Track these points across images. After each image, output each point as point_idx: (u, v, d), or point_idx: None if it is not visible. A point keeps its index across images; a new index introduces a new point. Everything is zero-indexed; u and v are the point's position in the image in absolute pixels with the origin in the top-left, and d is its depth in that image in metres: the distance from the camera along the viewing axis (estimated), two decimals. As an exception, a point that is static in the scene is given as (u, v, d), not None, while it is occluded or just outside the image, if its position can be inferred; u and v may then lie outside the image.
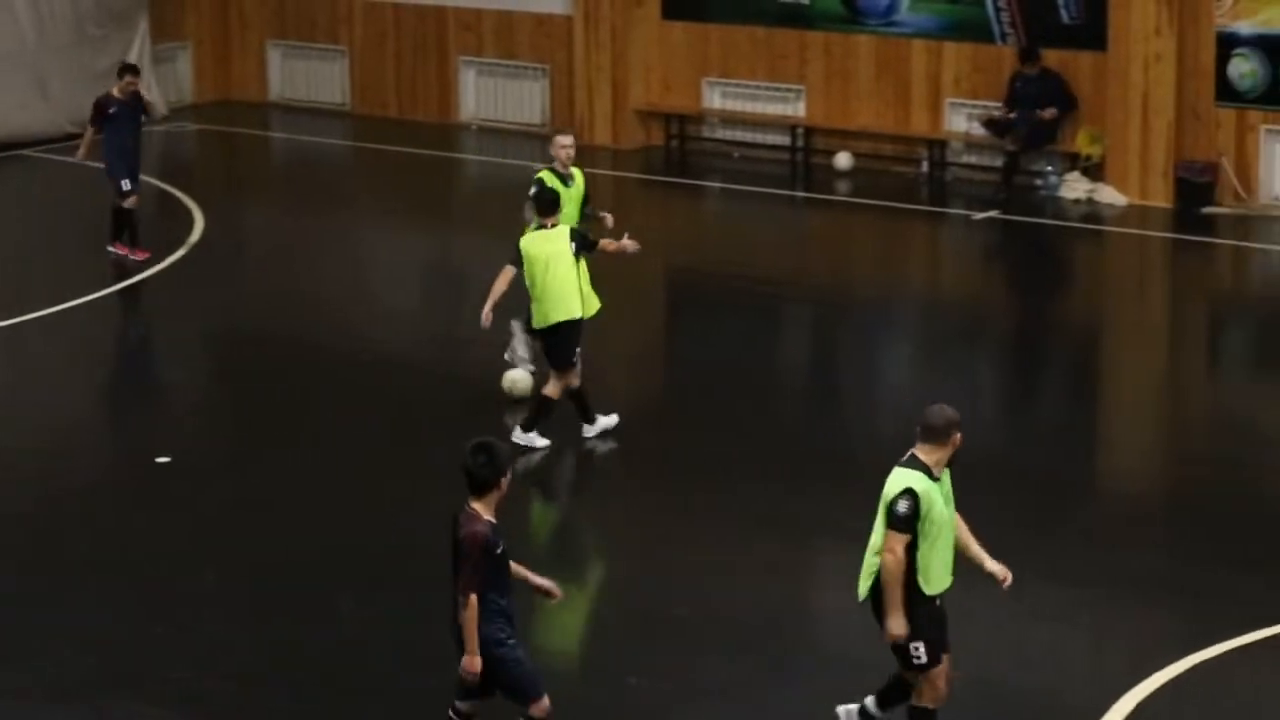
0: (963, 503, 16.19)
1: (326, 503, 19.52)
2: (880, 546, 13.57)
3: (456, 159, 36.41)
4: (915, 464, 13.61)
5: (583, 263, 20.54)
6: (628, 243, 20.19)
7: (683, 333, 26.43)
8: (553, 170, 20.70)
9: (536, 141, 36.09)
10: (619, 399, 22.56)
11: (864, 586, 13.70)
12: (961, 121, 33.03)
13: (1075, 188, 31.47)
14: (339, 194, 33.72)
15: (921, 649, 13.59)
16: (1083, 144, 31.70)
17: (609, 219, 21.75)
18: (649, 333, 26.44)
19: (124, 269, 27.62)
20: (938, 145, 33.25)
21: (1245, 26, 30.68)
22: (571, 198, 20.80)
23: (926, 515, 13.64)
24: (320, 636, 16.50)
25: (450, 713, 14.25)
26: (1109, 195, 31.16)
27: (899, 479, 13.52)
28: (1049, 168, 32.01)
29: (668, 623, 16.77)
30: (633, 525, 19.37)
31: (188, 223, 30.31)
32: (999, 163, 32.27)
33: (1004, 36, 32.32)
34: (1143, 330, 27.27)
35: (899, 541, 13.42)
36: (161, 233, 29.13)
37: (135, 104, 28.06)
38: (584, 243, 20.63)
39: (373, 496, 19.69)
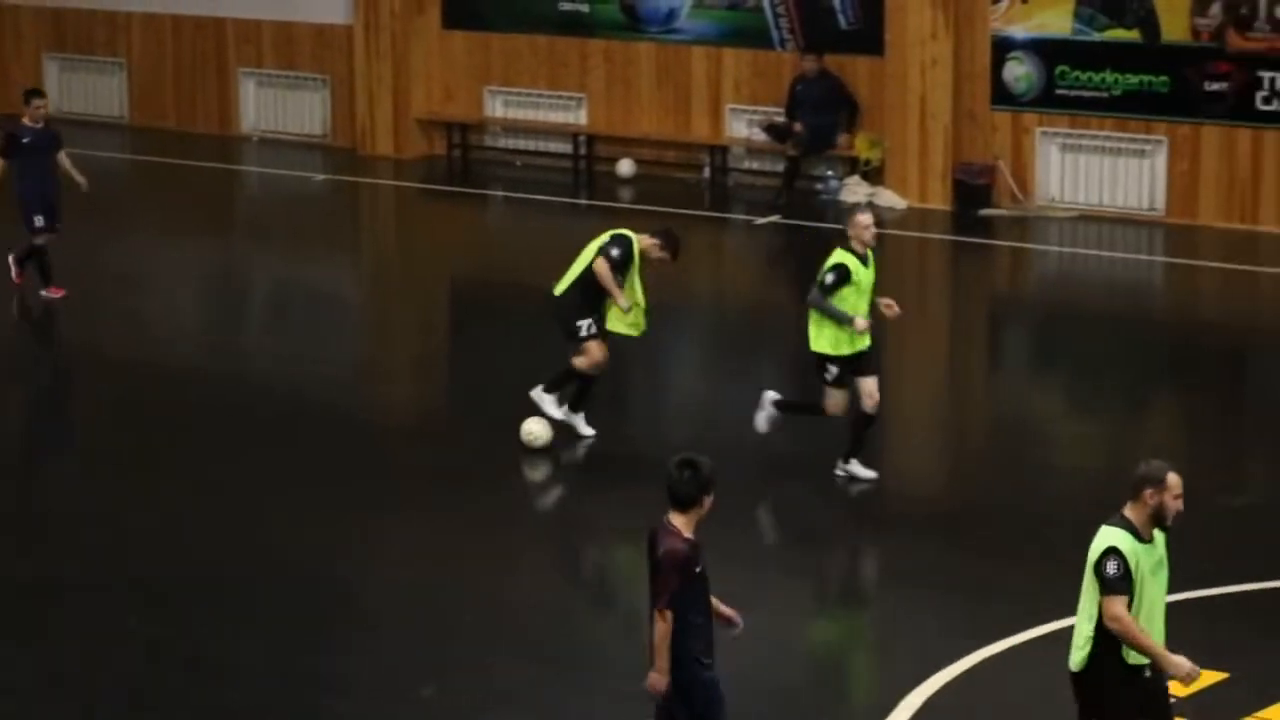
0: (744, 504, 16.39)
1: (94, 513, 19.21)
2: (1094, 613, 12.57)
3: (237, 170, 35.98)
4: (1123, 523, 12.63)
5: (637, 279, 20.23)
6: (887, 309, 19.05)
7: (466, 340, 26.22)
8: (849, 249, 18.50)
9: (318, 152, 36.42)
10: (403, 406, 22.78)
11: (1077, 658, 12.55)
12: (742, 127, 33.19)
13: (855, 191, 31.68)
14: (116, 207, 32.84)
15: None
16: (862, 148, 32.01)
17: (894, 307, 19.69)
18: (435, 340, 26.44)
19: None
20: (719, 151, 33.44)
21: (1019, 31, 31.21)
22: (868, 280, 18.73)
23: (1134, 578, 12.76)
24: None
25: None
26: (889, 199, 31.46)
27: (1103, 535, 12.54)
28: (829, 172, 32.27)
29: (460, 629, 16.70)
30: (417, 531, 19.08)
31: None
32: (780, 168, 32.31)
33: (783, 43, 32.66)
34: (923, 331, 27.39)
35: (1117, 603, 12.38)
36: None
37: (48, 131, 26.49)
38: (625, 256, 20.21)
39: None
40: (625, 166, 33.21)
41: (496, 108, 35.22)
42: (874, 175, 31.93)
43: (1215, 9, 30.15)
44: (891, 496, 21.08)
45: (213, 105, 37.18)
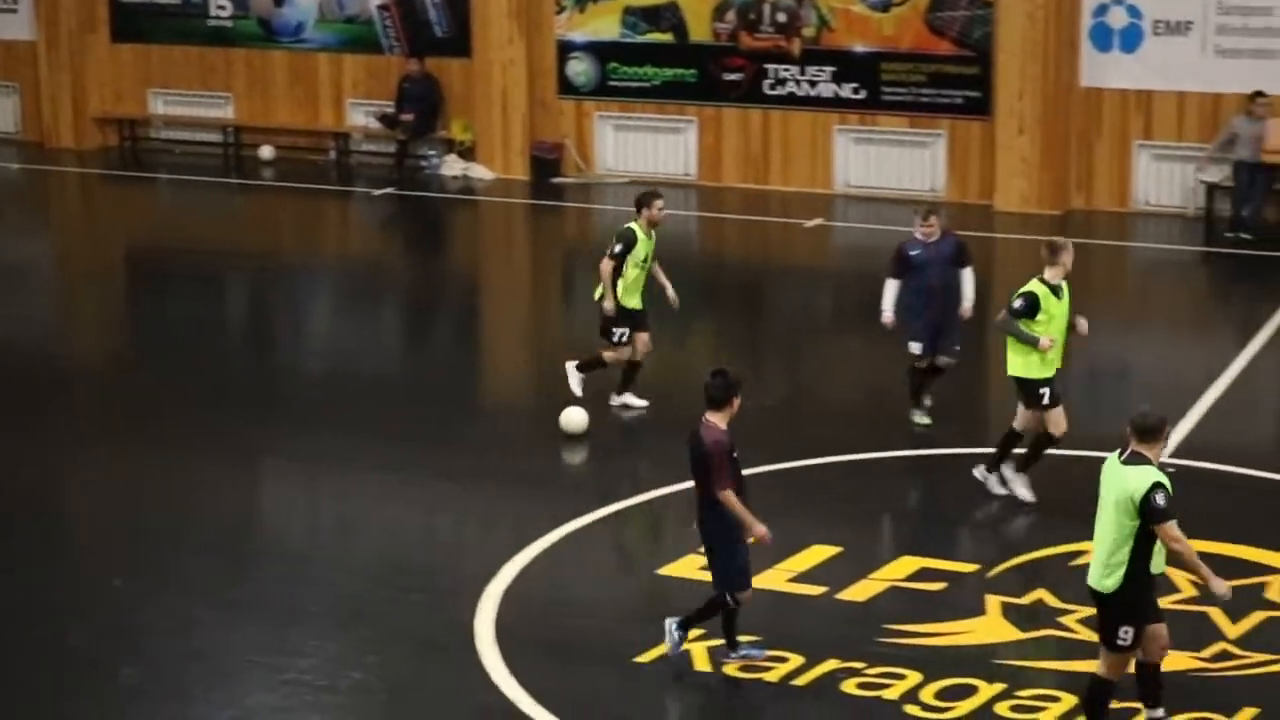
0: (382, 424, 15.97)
1: None
2: (1131, 540, 11.69)
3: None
4: (1144, 460, 11.84)
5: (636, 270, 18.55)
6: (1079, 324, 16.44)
7: (144, 301, 25.58)
8: (1043, 281, 16.03)
9: (12, 146, 35.18)
10: (97, 359, 21.98)
11: (1112, 580, 11.76)
12: (360, 117, 32.87)
13: (453, 167, 31.71)
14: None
15: (1130, 635, 12.02)
16: (457, 132, 31.93)
17: (1083, 324, 17.20)
18: (116, 302, 25.67)
19: None
20: (342, 137, 33.05)
21: (578, 36, 31.05)
22: (1061, 310, 16.23)
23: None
24: None
25: (732, 601, 13.34)
26: (480, 172, 31.45)
27: (1144, 474, 11.75)
28: (432, 152, 32.06)
29: (146, 531, 16.02)
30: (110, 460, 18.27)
31: None
32: (392, 149, 32.18)
33: (391, 48, 32.41)
34: (511, 275, 27.37)
35: (1175, 527, 11.70)
36: None
37: None
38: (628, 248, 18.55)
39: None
40: (266, 151, 32.49)
41: (159, 106, 34.41)
42: (467, 154, 31.76)
43: (730, 15, 30.13)
44: (493, 412, 20.72)
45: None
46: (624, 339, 18.58)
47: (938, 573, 14.80)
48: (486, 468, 17.90)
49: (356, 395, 20.51)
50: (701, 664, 13.04)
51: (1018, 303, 15.58)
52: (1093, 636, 12.97)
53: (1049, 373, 15.79)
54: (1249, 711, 12.16)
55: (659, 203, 18.70)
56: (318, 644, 13.74)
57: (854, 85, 29.89)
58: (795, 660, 13.16)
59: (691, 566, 14.52)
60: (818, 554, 15.28)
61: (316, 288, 26.65)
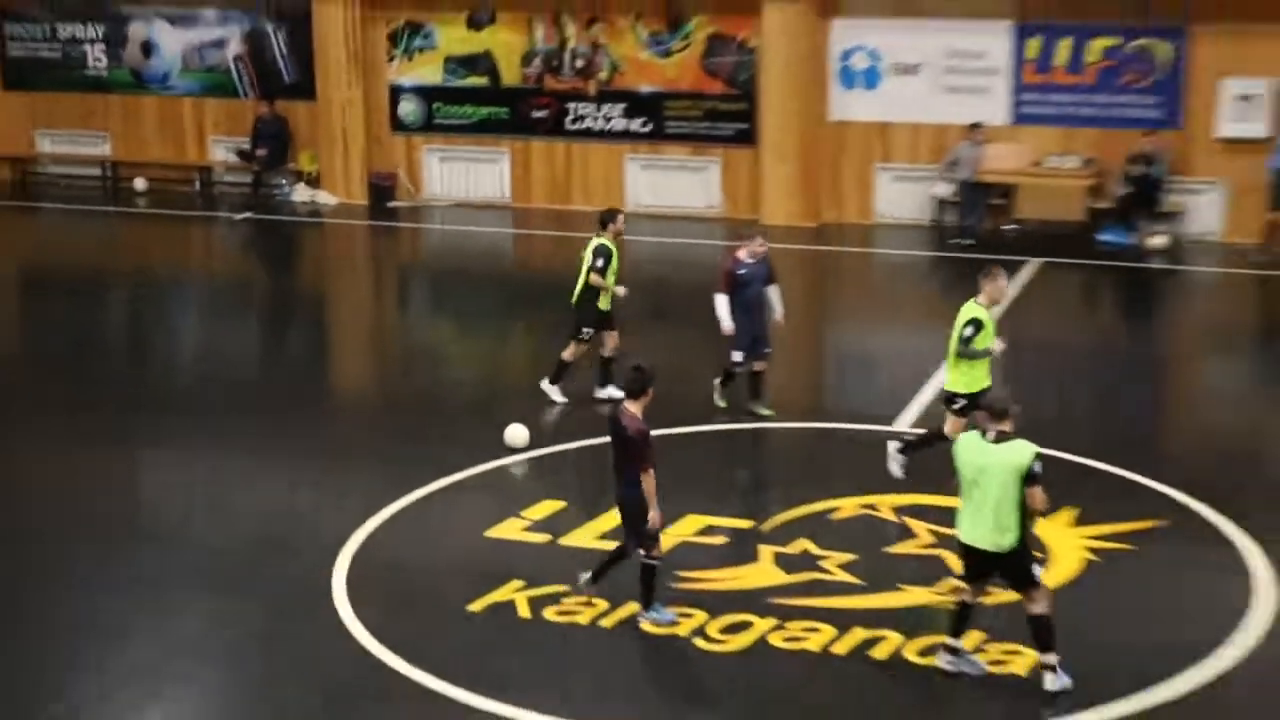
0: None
1: None
2: (1018, 503, 11.33)
3: None
4: (1012, 436, 11.64)
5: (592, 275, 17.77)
6: None
7: (37, 316, 24.95)
8: (978, 303, 15.12)
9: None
10: None
11: (1009, 539, 11.46)
12: (221, 153, 32.58)
13: (302, 194, 31.46)
14: None
15: (1039, 568, 11.81)
16: (305, 163, 31.70)
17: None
18: (8, 314, 25.11)
19: None
20: (205, 170, 32.60)
21: (407, 80, 30.87)
22: (992, 324, 15.28)
23: None
24: None
25: (649, 559, 13.10)
26: (325, 198, 31.25)
27: (1023, 448, 11.54)
28: (283, 181, 31.84)
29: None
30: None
31: None
32: (248, 180, 31.85)
33: (246, 93, 32.21)
34: (355, 287, 27.01)
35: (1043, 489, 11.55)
36: None
37: None
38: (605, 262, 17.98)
39: None
40: (139, 183, 32.17)
41: (46, 145, 33.79)
42: (314, 182, 31.55)
43: (536, 62, 30.04)
44: (339, 398, 20.62)
45: None
46: (588, 336, 18.18)
47: (720, 529, 14.86)
48: (337, 450, 17.74)
49: (225, 392, 20.29)
50: (524, 612, 13.12)
51: (968, 330, 15.10)
52: (847, 577, 13.35)
53: (977, 388, 15.14)
54: (977, 635, 12.38)
55: (620, 217, 18.38)
56: (197, 605, 13.63)
57: (642, 120, 29.90)
58: (603, 605, 13.15)
59: (513, 529, 14.72)
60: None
61: (186, 304, 26.06)
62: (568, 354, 18.28)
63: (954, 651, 11.95)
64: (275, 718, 11.95)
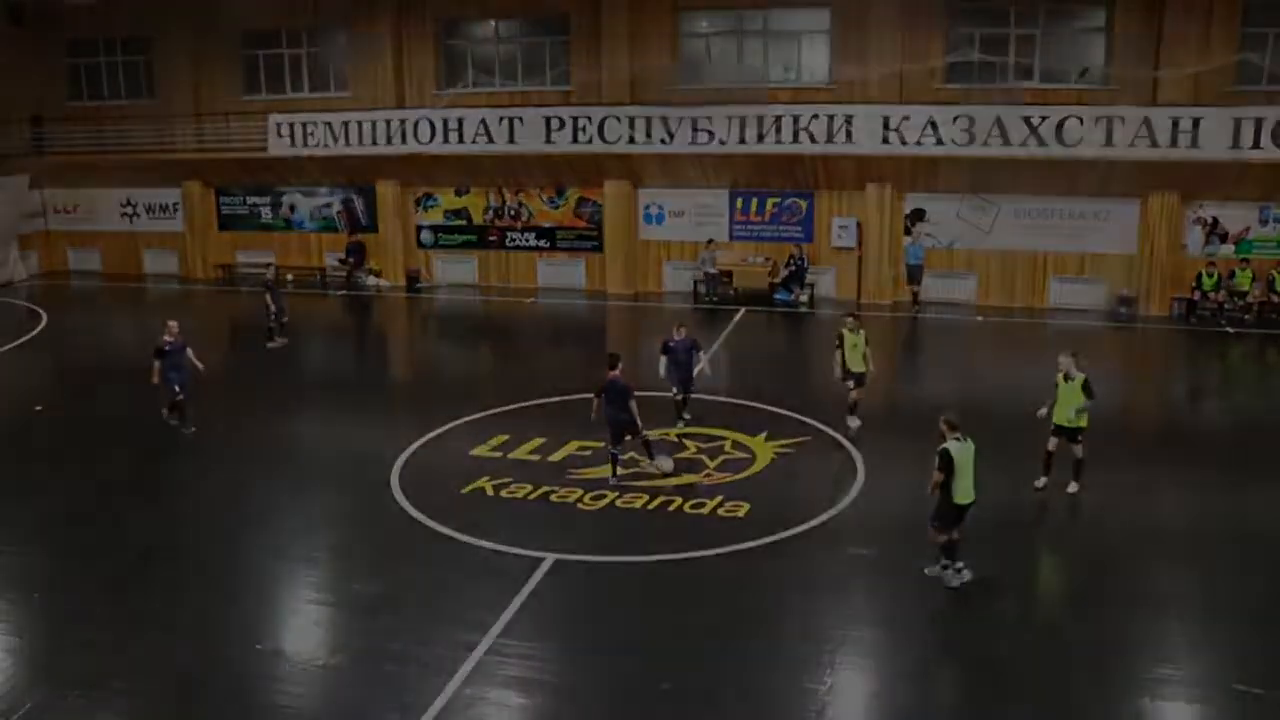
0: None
1: None
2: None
3: None
4: (960, 437, 10.90)
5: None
6: None
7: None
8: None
9: None
10: None
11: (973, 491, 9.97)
12: (330, 260, 32.70)
13: (372, 281, 31.94)
14: None
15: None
16: (373, 265, 32.31)
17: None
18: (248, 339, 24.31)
19: None
20: (322, 270, 31.92)
21: (424, 221, 30.99)
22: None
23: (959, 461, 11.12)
24: None
25: (644, 438, 12.83)
26: (384, 283, 31.91)
27: (968, 447, 10.69)
28: (362, 275, 32.12)
29: None
30: None
31: None
32: (344, 274, 31.89)
33: (342, 229, 33.16)
34: (404, 328, 26.47)
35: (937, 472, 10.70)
36: None
37: None
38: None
39: None
40: (373, 281, 30.09)
41: (240, 258, 33.44)
42: (379, 274, 31.71)
43: (491, 212, 30.57)
44: (394, 381, 20.50)
45: None
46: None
47: (591, 448, 15.41)
48: (394, 409, 17.95)
49: (329, 379, 19.60)
50: (490, 492, 13.30)
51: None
52: (655, 471, 13.58)
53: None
54: (744, 505, 12.82)
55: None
56: (297, 506, 13.57)
57: (545, 240, 31.20)
58: (527, 488, 13.90)
59: (483, 450, 14.98)
60: (535, 441, 15.93)
61: (316, 331, 24.41)
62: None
63: (945, 567, 11.70)
64: (366, 547, 12.50)
